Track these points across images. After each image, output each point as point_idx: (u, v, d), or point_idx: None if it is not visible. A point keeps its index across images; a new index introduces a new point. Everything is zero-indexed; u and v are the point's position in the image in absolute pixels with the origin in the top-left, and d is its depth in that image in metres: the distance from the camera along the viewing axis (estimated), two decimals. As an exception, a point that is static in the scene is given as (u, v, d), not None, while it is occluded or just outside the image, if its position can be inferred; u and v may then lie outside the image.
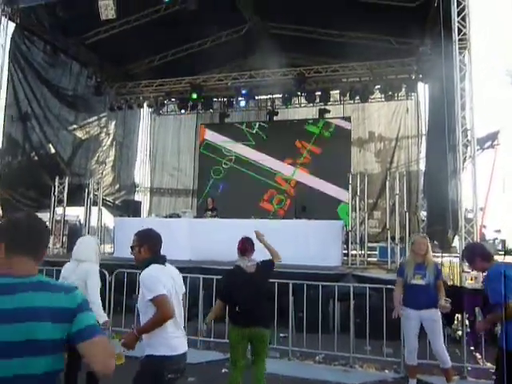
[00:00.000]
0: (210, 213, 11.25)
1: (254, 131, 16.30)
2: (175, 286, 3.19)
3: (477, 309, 6.37)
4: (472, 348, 6.34)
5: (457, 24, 8.51)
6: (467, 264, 4.12)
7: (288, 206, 15.42)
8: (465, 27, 8.54)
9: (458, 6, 8.52)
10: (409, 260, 5.13)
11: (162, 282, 3.04)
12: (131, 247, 3.28)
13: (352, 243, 11.17)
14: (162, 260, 3.23)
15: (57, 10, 11.16)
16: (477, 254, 3.80)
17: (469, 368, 5.77)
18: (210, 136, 16.86)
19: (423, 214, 13.85)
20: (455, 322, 6.74)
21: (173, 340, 3.09)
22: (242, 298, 4.32)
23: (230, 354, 4.38)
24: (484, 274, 4.07)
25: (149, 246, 3.22)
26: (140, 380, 3.05)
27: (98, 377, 1.88)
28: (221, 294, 4.59)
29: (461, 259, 4.15)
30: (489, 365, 5.92)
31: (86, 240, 4.68)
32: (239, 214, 10.75)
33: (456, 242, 9.24)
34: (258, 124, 16.41)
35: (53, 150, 13.28)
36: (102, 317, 4.15)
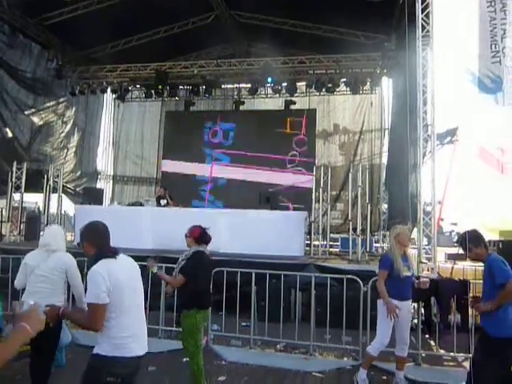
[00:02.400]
0: (163, 201, 11.12)
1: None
2: (129, 280, 2.96)
3: (432, 298, 6.63)
4: (426, 336, 6.59)
5: (421, 21, 8.68)
6: (467, 248, 4.00)
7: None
8: (428, 24, 8.72)
9: (422, 3, 8.68)
10: (395, 253, 5.01)
11: (105, 282, 2.78)
12: (77, 244, 3.18)
13: (315, 234, 11.34)
14: (110, 253, 2.97)
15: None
16: (482, 241, 4.01)
17: (423, 355, 5.98)
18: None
19: (384, 206, 14.19)
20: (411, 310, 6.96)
21: (121, 340, 2.84)
22: (205, 281, 4.58)
23: (193, 337, 4.34)
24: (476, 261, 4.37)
25: (90, 242, 3.06)
26: (83, 379, 2.88)
27: None
28: (187, 272, 4.35)
29: (460, 243, 4.16)
30: (442, 351, 6.18)
31: (54, 229, 4.55)
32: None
33: (414, 234, 9.52)
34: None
35: (10, 134, 12.76)
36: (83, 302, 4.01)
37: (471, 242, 3.99)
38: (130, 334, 2.87)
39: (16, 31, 12.69)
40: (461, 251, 4.38)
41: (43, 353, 4.04)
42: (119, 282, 2.85)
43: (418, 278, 5.40)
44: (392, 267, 4.92)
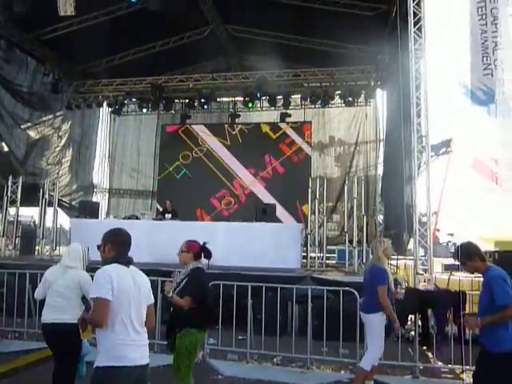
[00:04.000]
0: (168, 215, 11.11)
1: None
2: (135, 290, 2.93)
3: (429, 309, 6.61)
4: (424, 348, 6.56)
5: (413, 34, 8.79)
6: (460, 261, 3.92)
7: (234, 210, 15.44)
8: (420, 37, 8.83)
9: (414, 17, 8.80)
10: (385, 267, 4.93)
11: (111, 282, 2.80)
12: (97, 246, 3.16)
13: (311, 246, 11.33)
14: (125, 261, 3.00)
15: (13, 4, 10.76)
16: (476, 253, 3.83)
17: (420, 367, 5.95)
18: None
19: (380, 217, 14.21)
20: (408, 322, 6.94)
21: (121, 347, 2.80)
22: (209, 301, 4.31)
23: (189, 357, 4.14)
24: (474, 274, 4.16)
25: (112, 245, 3.07)
26: None
27: None
28: (192, 293, 4.07)
29: (455, 256, 4.06)
30: (440, 364, 6.15)
31: (73, 247, 4.70)
32: (189, 201, 10.67)
33: (411, 245, 9.53)
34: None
35: (6, 149, 12.78)
36: None
37: (464, 255, 3.88)
38: (128, 343, 2.83)
39: (12, 46, 12.80)
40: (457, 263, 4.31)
41: (68, 360, 4.20)
42: (123, 290, 2.84)
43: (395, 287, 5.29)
44: (388, 282, 4.86)
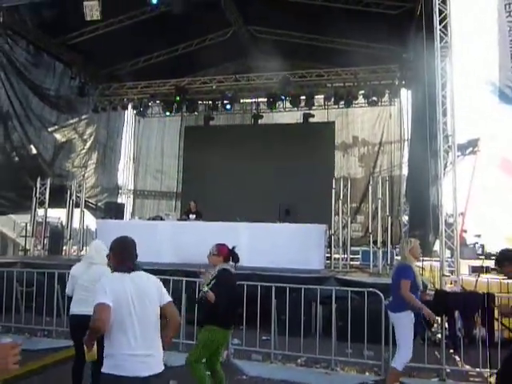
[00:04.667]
0: (192, 216, 11.17)
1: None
2: (138, 296, 2.92)
3: (456, 312, 6.48)
4: (451, 351, 6.44)
5: (439, 32, 8.66)
6: (497, 266, 4.15)
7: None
8: (446, 35, 8.69)
9: (439, 15, 8.66)
10: (412, 265, 4.93)
11: (106, 289, 2.85)
12: (106, 255, 3.30)
13: (335, 247, 11.25)
14: (124, 268, 3.01)
15: (41, 10, 11.03)
16: (507, 259, 3.98)
17: (448, 370, 5.85)
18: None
19: (405, 218, 14.02)
20: (435, 325, 6.83)
21: (120, 357, 2.80)
22: (232, 300, 4.54)
23: (202, 351, 4.39)
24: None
25: (113, 254, 3.15)
26: None
27: None
28: (222, 295, 4.32)
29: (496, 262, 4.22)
30: (467, 367, 6.03)
31: (96, 243, 5.02)
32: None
33: (437, 247, 9.37)
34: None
35: (34, 151, 13.10)
36: None
37: (497, 261, 4.07)
38: (130, 352, 2.81)
39: (40, 51, 13.11)
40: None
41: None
42: (120, 299, 2.85)
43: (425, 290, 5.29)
44: (414, 279, 4.83)
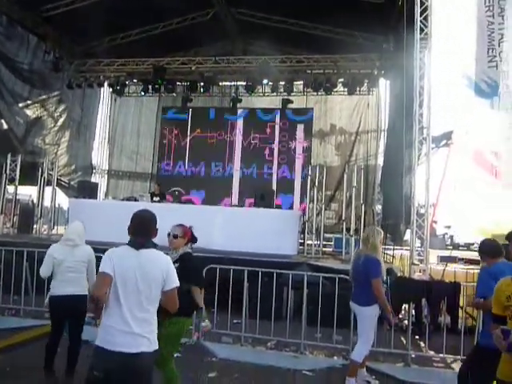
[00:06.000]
0: (156, 198, 11.08)
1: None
2: (139, 275, 2.85)
3: (423, 300, 6.66)
4: (417, 337, 6.63)
5: (419, 23, 8.72)
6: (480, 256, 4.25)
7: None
8: (426, 27, 8.76)
9: (421, 6, 8.72)
10: (380, 258, 4.89)
11: (112, 259, 2.86)
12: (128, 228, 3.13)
13: (308, 233, 11.35)
14: (135, 243, 2.97)
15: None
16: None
17: (413, 355, 6.01)
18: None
19: (379, 207, 14.24)
20: (402, 311, 7.00)
21: (110, 330, 2.80)
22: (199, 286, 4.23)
23: (175, 345, 4.14)
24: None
25: (130, 226, 3.07)
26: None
27: None
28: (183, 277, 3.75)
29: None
30: (432, 353, 6.22)
31: (76, 225, 4.95)
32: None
33: (407, 236, 9.57)
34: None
35: (5, 126, 12.70)
36: None
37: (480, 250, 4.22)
38: (119, 327, 2.79)
39: (14, 23, 12.63)
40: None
41: (78, 330, 4.68)
42: (121, 273, 2.83)
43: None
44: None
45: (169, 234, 4.23)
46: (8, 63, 12.64)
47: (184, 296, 3.76)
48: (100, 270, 2.86)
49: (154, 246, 3.05)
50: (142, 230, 3.03)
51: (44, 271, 4.68)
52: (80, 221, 4.97)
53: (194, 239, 4.30)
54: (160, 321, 3.17)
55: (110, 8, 12.05)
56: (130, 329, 2.79)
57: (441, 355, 6.05)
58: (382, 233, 5.12)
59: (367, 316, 4.85)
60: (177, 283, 2.99)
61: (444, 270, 9.01)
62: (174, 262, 3.96)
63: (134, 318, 2.82)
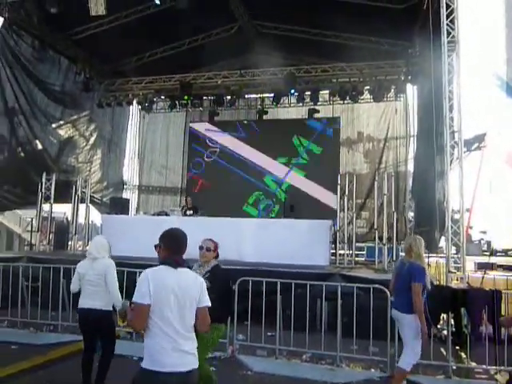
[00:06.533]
0: (189, 212, 11.16)
1: (247, 122, 16.18)
2: (179, 293, 2.84)
3: (462, 308, 6.46)
4: (457, 348, 6.42)
5: (446, 27, 8.58)
6: None
7: (276, 213, 14.93)
8: (453, 30, 8.61)
9: (447, 9, 8.58)
10: (425, 266, 4.83)
11: (148, 285, 2.79)
12: (154, 246, 3.15)
13: (340, 243, 11.22)
14: (172, 262, 2.94)
15: (46, 5, 11.02)
16: None
17: (454, 367, 5.82)
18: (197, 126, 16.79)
19: (411, 214, 13.96)
20: (441, 321, 6.80)
21: (157, 351, 2.76)
22: (230, 297, 4.57)
23: (210, 350, 4.38)
24: None
25: (164, 246, 3.06)
26: None
27: None
28: (221, 289, 4.25)
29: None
30: (474, 364, 6.00)
31: (96, 239, 5.12)
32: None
33: (442, 243, 9.33)
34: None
35: (40, 146, 13.14)
36: (119, 301, 4.51)
37: None
38: (165, 347, 2.76)
39: (45, 46, 13.14)
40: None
41: (105, 344, 4.74)
42: (161, 293, 2.79)
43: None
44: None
45: (201, 248, 4.41)
46: (41, 85, 13.12)
47: (214, 302, 3.93)
48: (134, 299, 2.78)
49: (188, 265, 3.08)
50: (177, 249, 3.05)
51: (72, 286, 4.90)
52: (104, 235, 5.26)
53: (218, 253, 4.52)
54: None
55: (137, 28, 12.42)
56: (179, 347, 2.78)
57: (483, 366, 5.83)
58: (423, 241, 5.02)
59: (410, 323, 4.74)
60: (209, 303, 2.99)
61: (483, 277, 8.71)
62: (205, 273, 4.22)
63: (180, 336, 2.81)
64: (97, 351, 4.77)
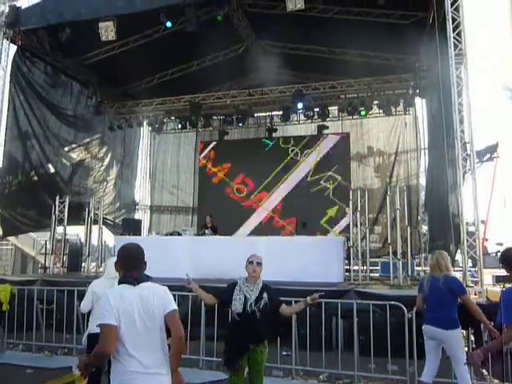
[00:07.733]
0: (208, 231, 11.15)
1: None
2: (143, 309, 2.74)
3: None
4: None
5: (452, 40, 8.60)
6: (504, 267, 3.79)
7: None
8: (460, 43, 8.63)
9: (453, 22, 8.61)
10: None
11: (112, 306, 2.69)
12: (114, 264, 3.07)
13: (353, 259, 11.11)
14: (131, 280, 2.82)
15: (58, 32, 11.28)
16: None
17: (475, 385, 5.68)
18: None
19: (424, 228, 13.80)
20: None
21: (130, 375, 2.64)
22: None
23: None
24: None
25: (119, 263, 2.97)
26: None
27: None
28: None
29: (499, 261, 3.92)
30: (496, 381, 5.84)
31: (114, 259, 4.91)
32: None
33: (458, 256, 9.19)
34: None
35: (52, 170, 13.32)
36: None
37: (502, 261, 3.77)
38: (140, 370, 2.66)
39: (57, 71, 13.43)
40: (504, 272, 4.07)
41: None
42: (125, 313, 2.70)
43: None
44: None
45: (251, 262, 4.24)
46: (53, 110, 13.37)
47: (270, 322, 4.06)
48: (102, 321, 2.67)
49: (148, 278, 2.92)
50: (132, 264, 2.92)
51: (83, 306, 4.65)
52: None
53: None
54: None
55: (146, 50, 12.62)
56: (149, 370, 2.68)
57: (506, 384, 5.67)
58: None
59: (458, 339, 4.69)
60: (175, 306, 2.87)
61: (502, 290, 8.54)
62: (261, 291, 4.13)
63: (150, 357, 2.71)
64: (104, 370, 4.61)
